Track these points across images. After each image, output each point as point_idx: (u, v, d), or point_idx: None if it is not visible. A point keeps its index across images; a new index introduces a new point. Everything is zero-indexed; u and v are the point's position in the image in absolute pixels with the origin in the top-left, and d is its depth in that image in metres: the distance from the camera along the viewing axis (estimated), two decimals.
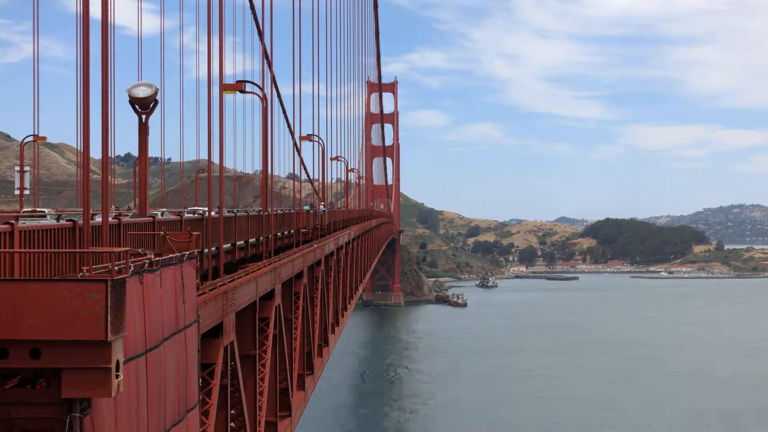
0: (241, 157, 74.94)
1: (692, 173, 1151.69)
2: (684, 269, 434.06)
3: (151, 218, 25.77)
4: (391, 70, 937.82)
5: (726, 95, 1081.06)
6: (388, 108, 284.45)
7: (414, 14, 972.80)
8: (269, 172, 48.18)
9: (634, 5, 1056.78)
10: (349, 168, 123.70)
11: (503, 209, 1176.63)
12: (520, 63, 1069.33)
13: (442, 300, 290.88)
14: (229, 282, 31.02)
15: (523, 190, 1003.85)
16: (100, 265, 16.63)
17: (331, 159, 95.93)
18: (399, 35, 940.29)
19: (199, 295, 24.24)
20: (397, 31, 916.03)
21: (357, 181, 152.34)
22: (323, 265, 64.57)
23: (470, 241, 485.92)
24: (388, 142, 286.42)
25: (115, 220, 21.88)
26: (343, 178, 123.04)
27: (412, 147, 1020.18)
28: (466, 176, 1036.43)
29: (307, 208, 64.89)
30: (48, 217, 31.18)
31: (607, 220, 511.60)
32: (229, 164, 75.50)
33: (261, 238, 42.41)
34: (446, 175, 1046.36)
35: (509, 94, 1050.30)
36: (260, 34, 46.22)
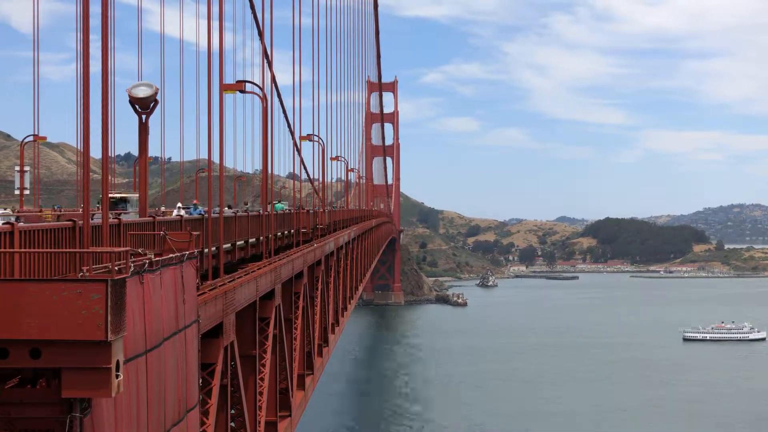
0: (241, 157, 74.88)
1: (697, 175, 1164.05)
2: (684, 269, 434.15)
3: (151, 218, 25.74)
4: (428, 80, 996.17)
5: (741, 104, 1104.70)
6: (388, 108, 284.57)
7: (452, 29, 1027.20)
8: (269, 171, 48.15)
9: (666, 22, 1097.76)
10: (349, 168, 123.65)
11: (503, 209, 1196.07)
12: (548, 74, 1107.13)
13: (442, 299, 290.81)
14: (229, 282, 31.01)
15: (524, 189, 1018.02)
16: (100, 265, 16.62)
17: (331, 159, 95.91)
18: (437, 48, 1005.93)
19: (199, 295, 24.23)
20: (434, 44, 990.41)
21: (357, 180, 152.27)
22: (323, 265, 64.55)
23: (470, 240, 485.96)
24: (389, 141, 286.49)
25: (115, 220, 21.86)
26: (343, 178, 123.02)
27: (443, 150, 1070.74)
28: (484, 178, 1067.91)
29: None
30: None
31: (607, 219, 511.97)
32: (229, 164, 75.41)
33: (261, 238, 42.38)
34: (463, 177, 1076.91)
35: (536, 102, 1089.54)
36: (260, 33, 46.22)
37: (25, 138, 64.00)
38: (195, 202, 51.06)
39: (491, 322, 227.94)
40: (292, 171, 74.26)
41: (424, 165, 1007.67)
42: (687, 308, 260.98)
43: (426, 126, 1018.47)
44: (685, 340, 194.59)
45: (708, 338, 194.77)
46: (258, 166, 65.04)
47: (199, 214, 33.05)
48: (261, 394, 38.98)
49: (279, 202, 61.41)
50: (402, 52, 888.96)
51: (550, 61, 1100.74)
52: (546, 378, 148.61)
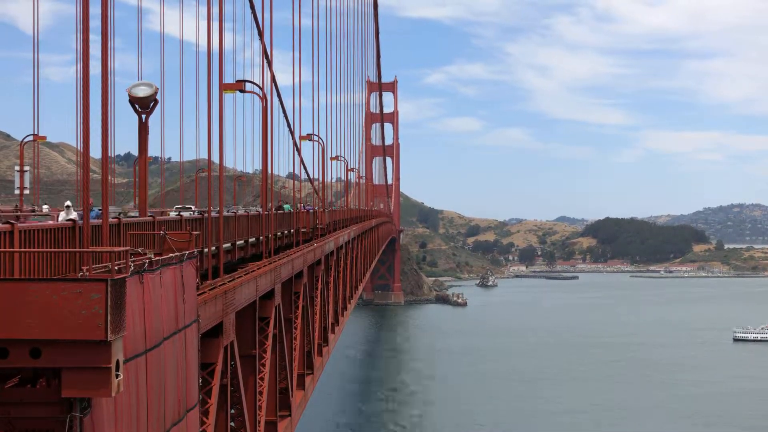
0: (241, 157, 75.01)
1: (697, 175, 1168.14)
2: (684, 268, 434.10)
3: (151, 218, 25.73)
4: (431, 80, 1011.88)
5: (741, 104, 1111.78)
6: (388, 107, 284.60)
7: (455, 30, 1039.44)
8: (269, 171, 48.17)
9: (666, 22, 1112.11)
10: (349, 168, 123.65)
11: (503, 209, 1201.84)
12: (550, 74, 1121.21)
13: (442, 299, 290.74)
14: (229, 282, 31.00)
15: (524, 189, 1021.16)
16: (100, 265, 16.62)
17: (331, 159, 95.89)
18: (439, 49, 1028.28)
19: (199, 295, 24.22)
20: (437, 45, 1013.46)
21: (357, 180, 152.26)
22: (323, 265, 64.55)
23: (470, 240, 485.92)
24: (389, 141, 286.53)
25: (115, 220, 21.85)
26: (343, 178, 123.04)
27: (445, 151, 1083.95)
28: (484, 178, 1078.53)
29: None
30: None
31: (607, 219, 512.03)
32: (229, 164, 75.48)
33: (261, 237, 42.39)
34: (463, 177, 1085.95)
35: (537, 102, 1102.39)
36: (260, 33, 46.21)
37: (25, 138, 64.02)
38: (91, 201, 47.99)
39: (491, 322, 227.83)
40: (292, 171, 74.34)
41: (425, 165, 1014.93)
42: (713, 307, 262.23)
43: (428, 126, 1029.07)
44: (736, 340, 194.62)
45: (759, 338, 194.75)
46: (258, 166, 65.16)
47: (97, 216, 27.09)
48: (261, 393, 38.99)
49: (286, 203, 63.65)
50: (405, 52, 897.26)
51: (551, 62, 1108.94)
52: (587, 378, 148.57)
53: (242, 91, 40.58)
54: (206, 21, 31.39)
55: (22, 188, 58.70)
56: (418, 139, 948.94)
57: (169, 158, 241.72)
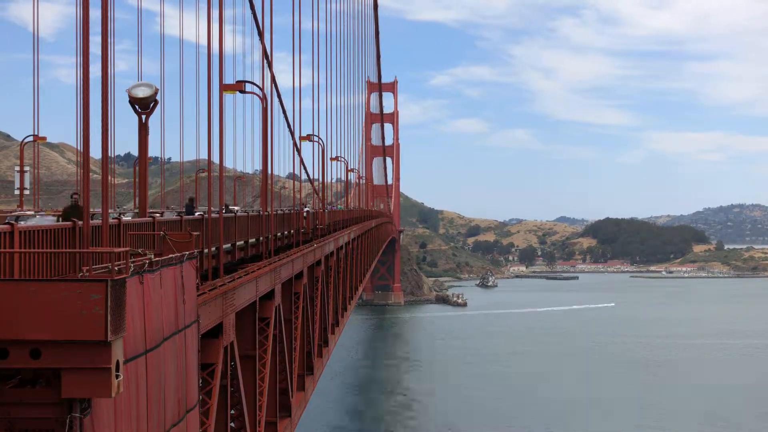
0: (241, 157, 75.04)
1: (697, 175, 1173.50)
2: (684, 269, 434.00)
3: (151, 218, 25.73)
4: (436, 82, 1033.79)
5: (743, 105, 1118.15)
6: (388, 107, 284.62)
7: (461, 33, 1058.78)
8: (269, 171, 48.18)
9: (670, 25, 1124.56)
10: (349, 168, 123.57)
11: (503, 209, 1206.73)
12: (554, 76, 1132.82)
13: (442, 300, 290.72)
14: (229, 282, 31.00)
15: (524, 189, 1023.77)
16: (100, 265, 16.62)
17: (331, 159, 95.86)
18: (445, 51, 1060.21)
19: (199, 295, 24.22)
20: (443, 48, 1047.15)
21: (357, 181, 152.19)
22: (323, 265, 64.54)
23: (470, 240, 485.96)
24: (389, 141, 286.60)
25: (115, 220, 21.84)
26: (343, 178, 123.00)
27: (448, 151, 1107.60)
28: (484, 178, 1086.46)
29: (308, 209, 64.66)
30: None
31: (607, 219, 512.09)
32: (229, 164, 75.64)
33: (261, 238, 42.39)
34: (463, 177, 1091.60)
35: (542, 103, 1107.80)
36: (260, 33, 46.21)
37: (25, 138, 64.07)
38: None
39: (492, 322, 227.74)
40: (292, 171, 74.38)
41: (425, 165, 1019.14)
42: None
43: (433, 127, 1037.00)
44: None
45: None
46: (258, 166, 65.24)
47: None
48: (261, 394, 39.00)
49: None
50: (410, 55, 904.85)
51: (556, 64, 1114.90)
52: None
53: (242, 91, 40.62)
54: (206, 21, 31.40)
55: (22, 189, 58.71)
56: (423, 140, 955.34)
57: (169, 158, 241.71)
